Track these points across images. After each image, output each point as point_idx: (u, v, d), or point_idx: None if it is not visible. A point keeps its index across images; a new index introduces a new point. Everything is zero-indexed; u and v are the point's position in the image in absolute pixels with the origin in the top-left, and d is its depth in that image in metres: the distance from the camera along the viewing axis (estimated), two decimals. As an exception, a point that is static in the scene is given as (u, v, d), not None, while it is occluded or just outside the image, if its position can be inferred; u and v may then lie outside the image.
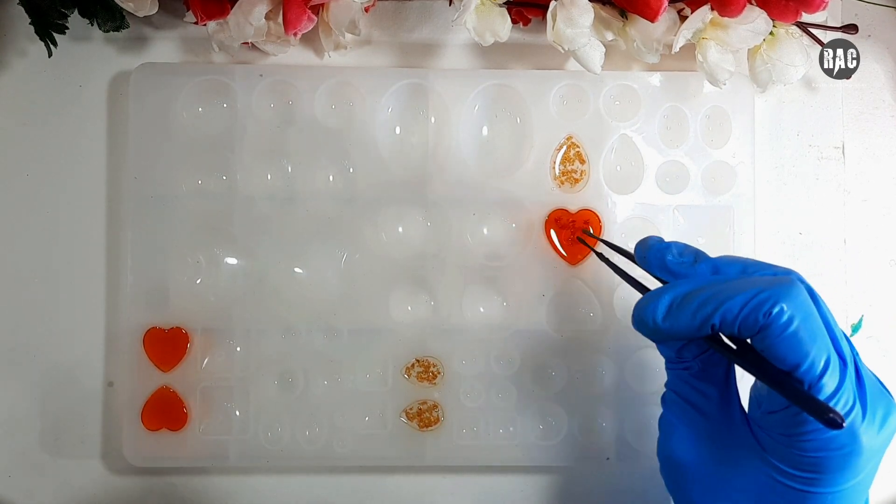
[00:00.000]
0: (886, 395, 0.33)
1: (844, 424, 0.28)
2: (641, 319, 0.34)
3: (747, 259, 0.35)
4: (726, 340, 0.35)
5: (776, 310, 0.30)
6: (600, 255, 0.43)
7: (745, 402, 0.37)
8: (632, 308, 0.46)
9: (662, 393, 0.38)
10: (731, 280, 0.33)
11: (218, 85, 0.46)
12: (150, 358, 0.45)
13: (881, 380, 0.34)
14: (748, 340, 0.33)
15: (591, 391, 0.46)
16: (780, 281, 0.32)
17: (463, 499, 0.48)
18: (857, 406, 0.31)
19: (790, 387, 0.30)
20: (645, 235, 0.46)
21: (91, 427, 0.47)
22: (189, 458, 0.45)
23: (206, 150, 0.46)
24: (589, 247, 0.45)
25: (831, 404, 0.30)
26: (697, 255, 0.35)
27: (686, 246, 0.36)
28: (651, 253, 0.36)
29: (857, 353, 0.33)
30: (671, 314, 0.33)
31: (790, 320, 0.30)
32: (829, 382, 0.31)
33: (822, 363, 0.31)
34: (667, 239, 0.46)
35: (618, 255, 0.42)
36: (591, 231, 0.45)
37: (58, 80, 0.47)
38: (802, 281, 0.33)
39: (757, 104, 0.47)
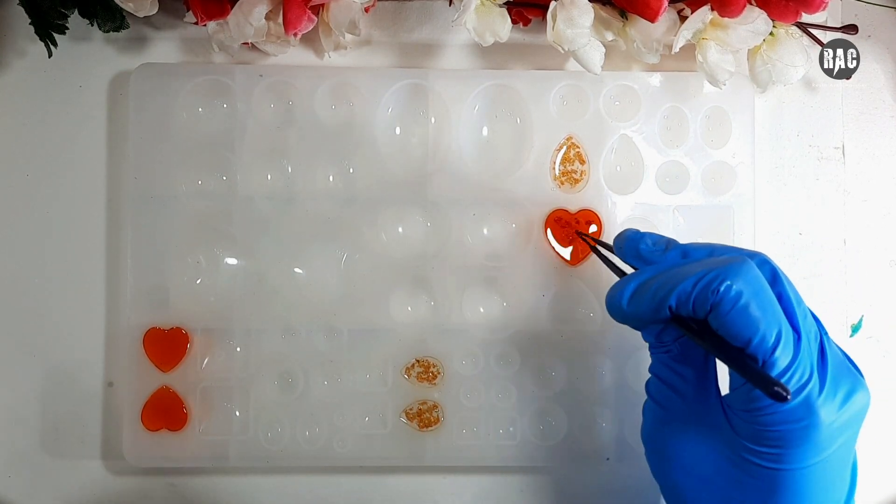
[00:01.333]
0: (855, 374, 0.34)
1: (789, 397, 0.29)
2: (610, 304, 0.36)
3: (717, 244, 0.36)
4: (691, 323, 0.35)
5: (723, 287, 0.31)
6: (598, 253, 0.43)
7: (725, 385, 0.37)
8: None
9: (647, 379, 0.39)
10: (687, 263, 0.34)
11: (218, 85, 0.46)
12: (150, 358, 0.45)
13: (855, 363, 0.35)
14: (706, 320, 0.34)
15: (591, 391, 0.46)
16: (731, 260, 0.33)
17: (463, 499, 0.48)
18: (815, 380, 0.32)
19: (741, 362, 0.31)
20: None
21: (91, 427, 0.47)
22: (189, 458, 0.45)
23: (206, 150, 0.46)
24: (587, 243, 0.45)
25: (784, 378, 0.31)
26: (669, 244, 0.37)
27: (661, 236, 0.37)
28: (627, 244, 0.38)
29: (826, 332, 0.34)
30: (634, 298, 0.35)
31: (737, 296, 0.31)
32: (782, 357, 0.31)
33: (773, 337, 0.31)
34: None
35: (612, 255, 0.42)
36: (589, 232, 0.46)
37: (58, 80, 0.47)
38: (767, 262, 0.34)
39: (757, 104, 0.47)
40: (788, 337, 0.32)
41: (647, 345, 0.46)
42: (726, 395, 0.36)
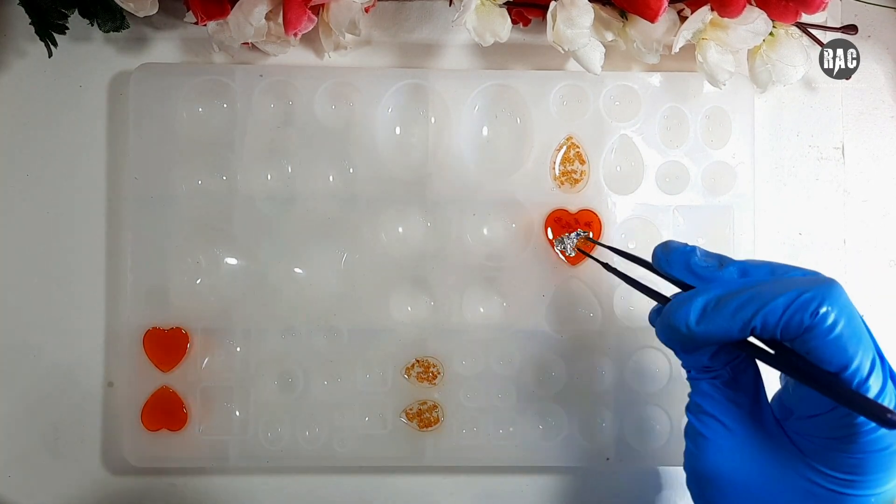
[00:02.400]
0: None
1: None
2: (672, 325, 0.33)
3: (776, 263, 0.34)
4: (760, 345, 0.34)
5: (823, 310, 0.30)
6: (605, 265, 0.41)
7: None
8: (631, 308, 0.47)
9: (687, 404, 0.37)
10: (769, 282, 0.32)
11: (218, 85, 0.46)
12: (150, 358, 0.45)
13: None
14: (784, 343, 0.32)
15: (591, 391, 0.46)
16: (821, 281, 0.31)
17: (463, 499, 0.48)
18: None
19: (840, 389, 0.30)
20: (645, 237, 0.46)
21: (91, 427, 0.47)
22: (189, 458, 0.45)
23: (206, 150, 0.46)
24: (591, 257, 0.44)
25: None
26: (722, 259, 0.34)
27: (708, 251, 0.35)
28: (674, 255, 0.35)
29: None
30: (706, 318, 0.32)
31: (836, 322, 0.30)
32: (875, 383, 0.30)
33: (868, 364, 0.30)
34: (666, 238, 0.46)
35: (618, 255, 0.41)
36: (591, 235, 0.45)
37: (58, 80, 0.47)
38: (835, 282, 0.32)
39: (757, 104, 0.47)
40: (878, 363, 0.31)
41: (647, 344, 0.46)
42: (792, 421, 0.34)
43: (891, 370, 0.32)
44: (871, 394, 0.30)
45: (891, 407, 0.31)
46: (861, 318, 0.32)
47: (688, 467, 0.36)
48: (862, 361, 0.30)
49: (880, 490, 0.32)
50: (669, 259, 0.35)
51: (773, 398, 0.36)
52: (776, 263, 0.34)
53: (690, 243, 0.35)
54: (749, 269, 0.34)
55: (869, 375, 0.30)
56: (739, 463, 0.35)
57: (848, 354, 0.30)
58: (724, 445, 0.35)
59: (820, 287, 0.30)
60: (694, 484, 0.36)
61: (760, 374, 0.36)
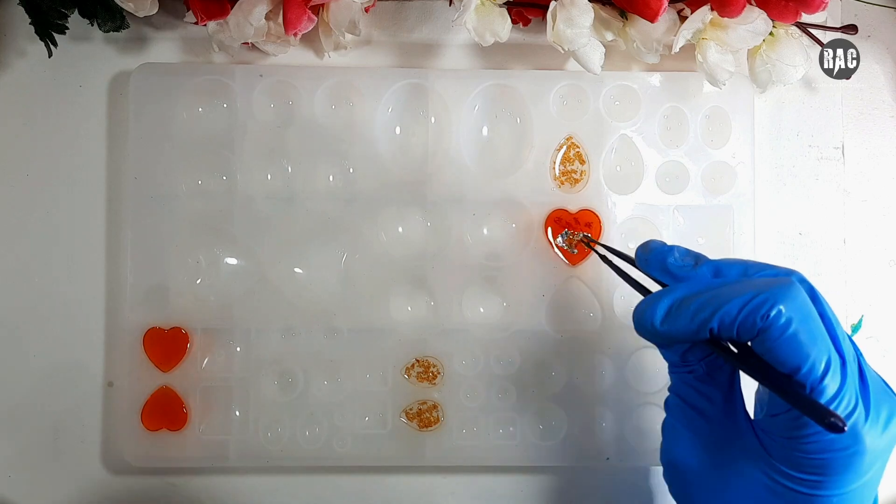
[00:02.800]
0: (891, 394, 0.33)
1: (846, 428, 0.28)
2: (640, 322, 0.34)
3: (749, 261, 0.34)
4: (728, 344, 0.34)
5: (773, 312, 0.30)
6: (603, 257, 0.42)
7: (749, 406, 0.37)
8: (631, 308, 0.47)
9: (666, 397, 0.38)
10: (729, 283, 0.33)
11: (218, 85, 0.46)
12: (150, 358, 0.45)
13: (886, 380, 0.34)
14: (748, 343, 0.33)
15: (591, 391, 0.46)
16: (778, 282, 0.31)
17: (463, 499, 0.48)
18: (860, 407, 0.31)
19: (791, 390, 0.30)
20: (645, 237, 0.46)
21: (91, 427, 0.47)
22: (189, 458, 0.45)
23: (206, 150, 0.46)
24: (592, 248, 0.44)
25: (833, 406, 0.30)
26: (698, 259, 0.35)
27: (688, 250, 0.35)
28: (652, 255, 0.36)
29: (861, 353, 0.33)
30: (669, 317, 0.33)
31: (788, 322, 0.30)
32: (831, 384, 0.30)
33: (822, 365, 0.30)
34: (667, 239, 0.46)
35: (617, 258, 0.41)
36: (590, 236, 0.45)
37: (58, 80, 0.47)
38: (804, 281, 0.33)
39: (757, 104, 0.47)
40: (836, 364, 0.31)
41: (647, 344, 0.46)
42: (760, 419, 0.35)
43: (862, 372, 0.32)
44: (826, 395, 0.30)
45: (850, 408, 0.31)
46: (831, 318, 0.32)
47: (662, 459, 0.38)
48: (815, 363, 0.30)
49: (842, 491, 0.32)
50: (648, 259, 0.36)
51: (754, 395, 0.36)
52: (751, 262, 0.34)
53: (683, 241, 0.36)
54: (722, 269, 0.34)
55: (823, 377, 0.30)
56: (708, 457, 0.36)
57: (801, 356, 0.30)
58: (694, 439, 0.36)
59: (774, 289, 0.31)
60: (667, 475, 0.38)
61: (738, 372, 0.36)
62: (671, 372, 0.37)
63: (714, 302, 0.31)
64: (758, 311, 0.30)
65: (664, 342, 0.35)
